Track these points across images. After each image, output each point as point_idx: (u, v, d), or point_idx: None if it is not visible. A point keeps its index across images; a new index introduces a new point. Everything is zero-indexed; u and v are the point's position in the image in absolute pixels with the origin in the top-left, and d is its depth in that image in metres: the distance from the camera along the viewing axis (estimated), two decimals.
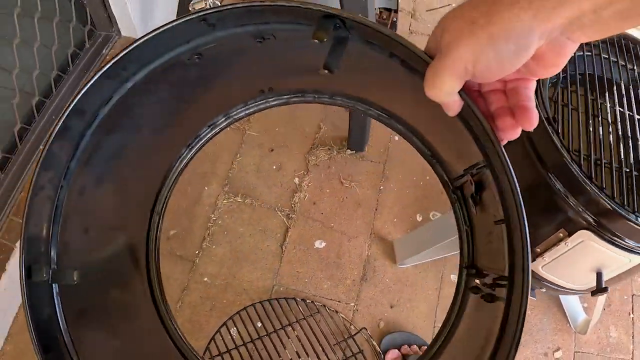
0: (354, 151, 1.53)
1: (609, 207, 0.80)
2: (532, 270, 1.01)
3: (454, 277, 1.47)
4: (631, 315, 1.61)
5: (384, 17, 1.72)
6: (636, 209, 0.82)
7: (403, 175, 1.55)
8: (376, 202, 1.49)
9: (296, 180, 1.49)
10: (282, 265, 1.38)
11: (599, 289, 0.98)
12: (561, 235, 0.93)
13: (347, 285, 1.39)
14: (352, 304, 1.37)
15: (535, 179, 0.89)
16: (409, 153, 1.61)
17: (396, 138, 1.62)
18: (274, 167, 1.51)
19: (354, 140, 1.50)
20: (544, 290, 1.42)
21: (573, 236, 0.90)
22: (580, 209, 0.85)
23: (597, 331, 1.54)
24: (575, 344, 1.51)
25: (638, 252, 0.87)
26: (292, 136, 1.55)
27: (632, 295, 1.66)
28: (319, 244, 1.42)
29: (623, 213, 0.81)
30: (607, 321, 1.57)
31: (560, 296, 1.53)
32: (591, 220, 0.85)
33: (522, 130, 0.38)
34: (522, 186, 0.35)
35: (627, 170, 0.88)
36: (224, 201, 1.45)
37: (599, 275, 1.00)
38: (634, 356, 1.55)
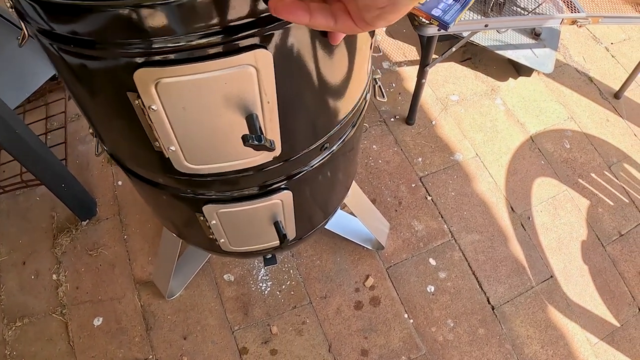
0: (87, 220, 1.52)
1: None
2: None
3: (228, 277, 1.44)
4: (428, 198, 1.51)
5: None
6: None
7: (140, 213, 1.52)
8: (126, 253, 1.48)
9: (54, 277, 1.51)
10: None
11: (283, 239, 0.92)
12: (199, 216, 0.85)
13: (137, 342, 1.40)
14: (151, 357, 1.38)
15: None
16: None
17: (120, 183, 1.58)
18: (32, 277, 1.52)
19: (79, 210, 1.49)
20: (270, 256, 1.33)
21: (205, 214, 0.81)
22: None
23: (400, 235, 1.46)
24: (382, 262, 1.44)
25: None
26: (36, 240, 1.56)
27: (420, 178, 1.55)
28: (97, 321, 1.43)
29: None
30: (406, 220, 1.48)
31: (337, 232, 1.40)
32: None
33: None
34: None
35: None
36: (9, 332, 1.49)
37: (277, 225, 0.93)
38: (453, 233, 1.46)
